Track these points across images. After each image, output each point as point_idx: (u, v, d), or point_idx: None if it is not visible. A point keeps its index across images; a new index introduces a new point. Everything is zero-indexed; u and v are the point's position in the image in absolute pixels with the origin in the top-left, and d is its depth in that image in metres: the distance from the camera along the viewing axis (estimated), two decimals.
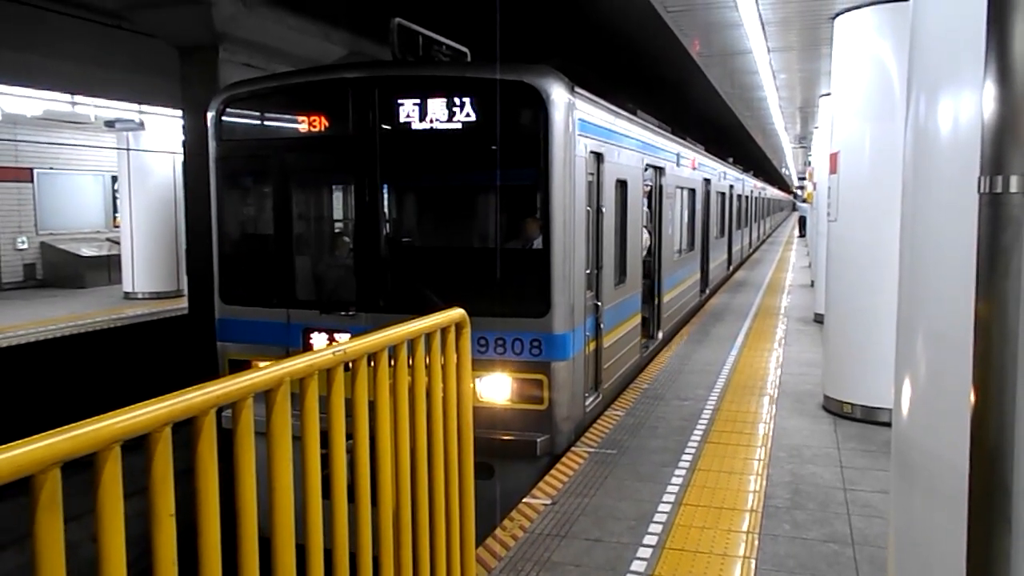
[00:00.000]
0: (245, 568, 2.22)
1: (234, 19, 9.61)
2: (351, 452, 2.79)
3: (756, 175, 34.11)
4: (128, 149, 16.73)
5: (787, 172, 50.28)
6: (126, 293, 16.95)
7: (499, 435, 6.18)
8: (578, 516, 4.99)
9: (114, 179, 19.39)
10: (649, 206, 10.12)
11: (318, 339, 6.63)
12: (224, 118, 6.99)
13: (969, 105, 2.08)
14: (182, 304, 14.35)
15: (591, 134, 6.84)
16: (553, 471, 5.84)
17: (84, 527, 1.80)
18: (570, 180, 6.26)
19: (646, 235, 9.87)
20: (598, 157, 7.17)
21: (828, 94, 11.65)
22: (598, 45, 14.86)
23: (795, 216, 58.93)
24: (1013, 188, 1.83)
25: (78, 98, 14.92)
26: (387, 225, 7.16)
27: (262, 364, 2.41)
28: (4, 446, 1.52)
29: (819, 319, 11.99)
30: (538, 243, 6.37)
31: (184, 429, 2.05)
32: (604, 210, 7.34)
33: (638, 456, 6.13)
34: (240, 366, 6.41)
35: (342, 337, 6.10)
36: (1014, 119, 1.84)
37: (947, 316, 2.19)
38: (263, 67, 10.00)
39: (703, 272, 15.30)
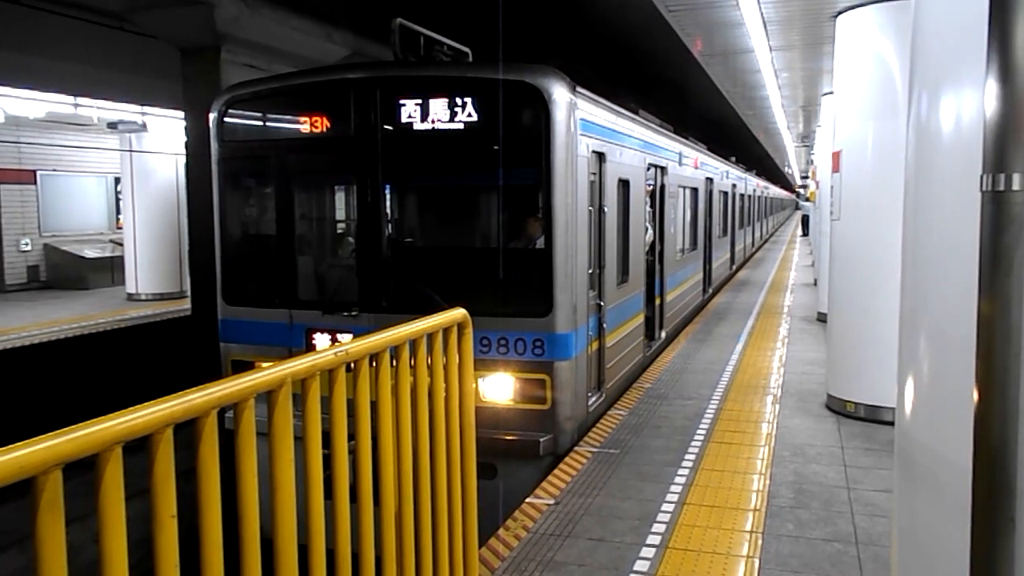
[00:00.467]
0: (247, 569, 2.22)
1: (236, 20, 9.61)
2: (353, 453, 2.79)
3: (758, 174, 34.08)
4: (131, 151, 16.76)
5: (790, 171, 50.22)
6: (129, 294, 16.98)
7: (502, 435, 6.17)
8: (581, 516, 4.98)
9: (117, 181, 19.44)
10: (651, 205, 10.12)
11: (321, 339, 6.63)
12: (226, 119, 6.99)
13: (971, 103, 2.08)
14: (185, 305, 14.38)
15: (593, 134, 6.83)
16: (556, 471, 5.84)
17: (87, 528, 1.80)
18: (572, 180, 6.25)
19: (648, 233, 9.87)
20: (600, 157, 7.17)
21: (830, 93, 11.65)
22: (600, 45, 14.86)
23: (798, 215, 58.87)
24: (1015, 186, 1.82)
25: (81, 100, 14.95)
26: (389, 225, 7.17)
27: (265, 365, 2.41)
28: (5, 447, 1.52)
29: (822, 318, 11.98)
30: (540, 243, 6.36)
31: (186, 430, 2.05)
32: (606, 210, 7.34)
33: (641, 456, 6.13)
34: (243, 367, 6.42)
35: (345, 337, 6.10)
36: (1016, 117, 1.83)
37: (950, 314, 2.18)
38: (265, 68, 10.01)
39: (706, 271, 15.29)
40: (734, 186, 20.36)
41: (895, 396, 2.54)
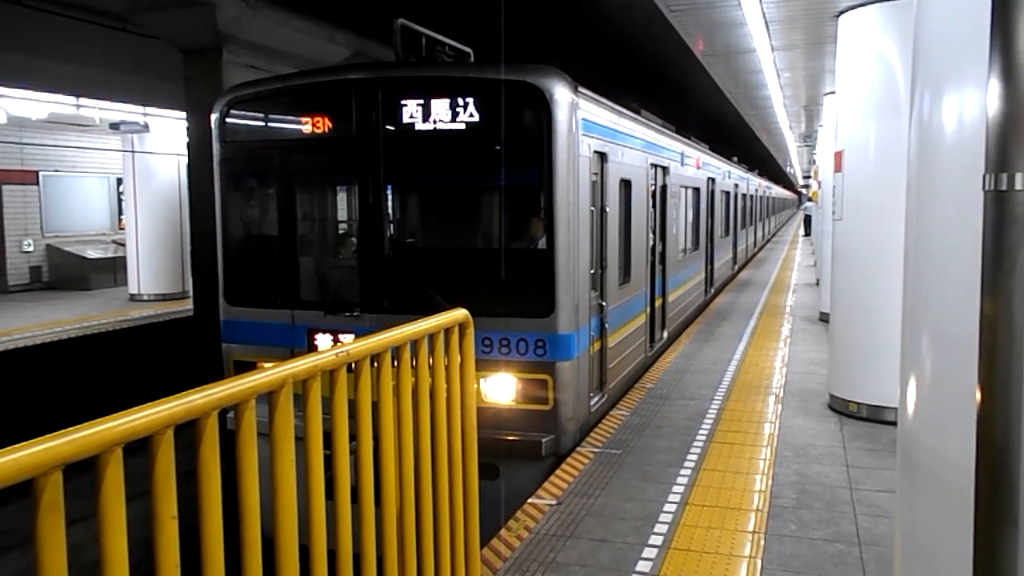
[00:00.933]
0: (248, 570, 2.22)
1: (238, 21, 9.62)
2: (354, 453, 2.79)
3: (760, 174, 34.06)
4: (133, 151, 16.78)
5: (792, 171, 50.19)
6: (132, 295, 17.00)
7: (504, 435, 6.17)
8: (583, 516, 4.98)
9: (119, 181, 19.46)
10: (653, 205, 10.11)
11: (322, 340, 6.64)
12: (228, 120, 6.99)
13: (973, 102, 2.07)
14: (187, 306, 14.38)
15: (595, 134, 6.83)
16: (558, 471, 5.84)
17: (89, 529, 1.80)
18: (574, 180, 6.25)
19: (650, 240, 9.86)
20: (602, 157, 7.17)
21: (832, 92, 11.64)
22: (601, 45, 14.85)
23: (800, 215, 58.82)
24: (1018, 185, 1.82)
25: (83, 101, 14.97)
26: (391, 226, 7.17)
27: (266, 365, 2.41)
28: (5, 449, 1.52)
29: (824, 318, 11.96)
30: (542, 243, 6.36)
31: (187, 431, 2.05)
32: (608, 210, 7.33)
33: (643, 456, 6.12)
34: (245, 367, 6.42)
35: (347, 338, 6.09)
36: (1018, 116, 1.82)
37: (952, 314, 2.17)
38: (267, 69, 10.01)
39: (708, 271, 15.29)
40: (736, 186, 20.35)
41: (898, 396, 2.54)
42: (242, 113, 7.00)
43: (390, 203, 7.14)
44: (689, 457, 6.07)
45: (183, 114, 11.18)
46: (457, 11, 10.23)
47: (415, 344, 3.14)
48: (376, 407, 2.93)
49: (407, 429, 3.08)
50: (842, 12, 7.25)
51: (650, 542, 4.59)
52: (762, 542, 4.59)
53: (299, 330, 6.74)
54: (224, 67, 9.66)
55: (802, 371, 9.06)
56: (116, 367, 12.30)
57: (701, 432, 6.71)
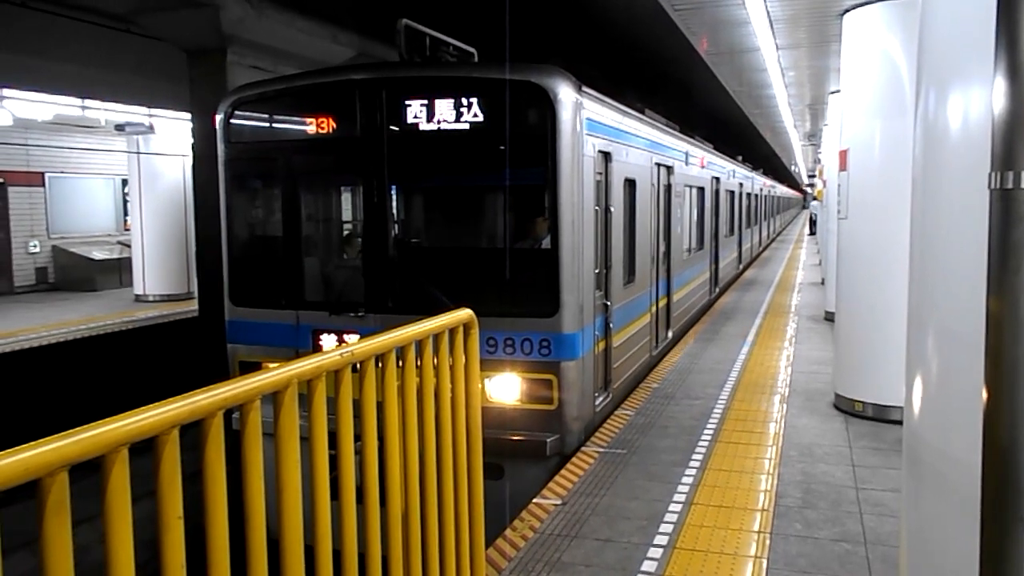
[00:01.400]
0: (254, 570, 2.22)
1: (242, 22, 9.64)
2: (359, 453, 2.79)
3: (765, 173, 34.00)
4: (138, 152, 16.82)
5: (796, 170, 50.10)
6: (137, 296, 17.04)
7: (509, 435, 6.17)
8: (588, 516, 4.98)
9: (124, 182, 19.50)
10: (658, 205, 10.09)
11: (327, 340, 6.64)
12: (232, 121, 7.00)
13: (979, 100, 2.07)
14: (193, 306, 14.42)
15: (599, 133, 6.83)
16: (563, 471, 5.83)
17: (95, 530, 1.80)
18: (578, 179, 6.25)
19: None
20: (606, 156, 7.16)
21: (837, 91, 11.62)
22: (605, 44, 14.84)
23: (805, 214, 58.72)
24: None
25: (88, 102, 15.01)
26: (395, 226, 7.17)
27: (271, 366, 2.41)
28: (11, 449, 1.52)
29: (830, 317, 11.94)
30: (546, 243, 6.36)
31: (193, 431, 2.05)
32: (612, 209, 7.33)
33: (648, 456, 6.11)
34: (250, 368, 6.42)
35: (351, 338, 6.11)
36: None
37: (958, 313, 2.17)
38: (271, 70, 10.03)
39: (713, 270, 15.26)
40: (741, 185, 20.32)
41: (903, 395, 2.53)
42: (246, 114, 7.01)
43: (394, 203, 7.15)
44: (694, 457, 6.07)
45: (188, 115, 11.19)
46: (461, 11, 10.23)
47: (420, 344, 3.14)
48: (381, 407, 2.93)
49: (412, 429, 3.09)
50: (847, 10, 7.24)
51: (655, 542, 4.59)
52: (768, 542, 4.58)
53: (304, 330, 6.75)
54: (228, 68, 9.68)
55: (807, 370, 9.05)
56: (122, 368, 12.33)
57: (706, 432, 6.70)
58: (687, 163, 11.77)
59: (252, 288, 7.13)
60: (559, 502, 5.21)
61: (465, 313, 3.46)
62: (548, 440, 6.17)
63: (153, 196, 16.79)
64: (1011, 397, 1.85)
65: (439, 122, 6.27)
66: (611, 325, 7.38)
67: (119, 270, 19.04)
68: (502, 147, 6.05)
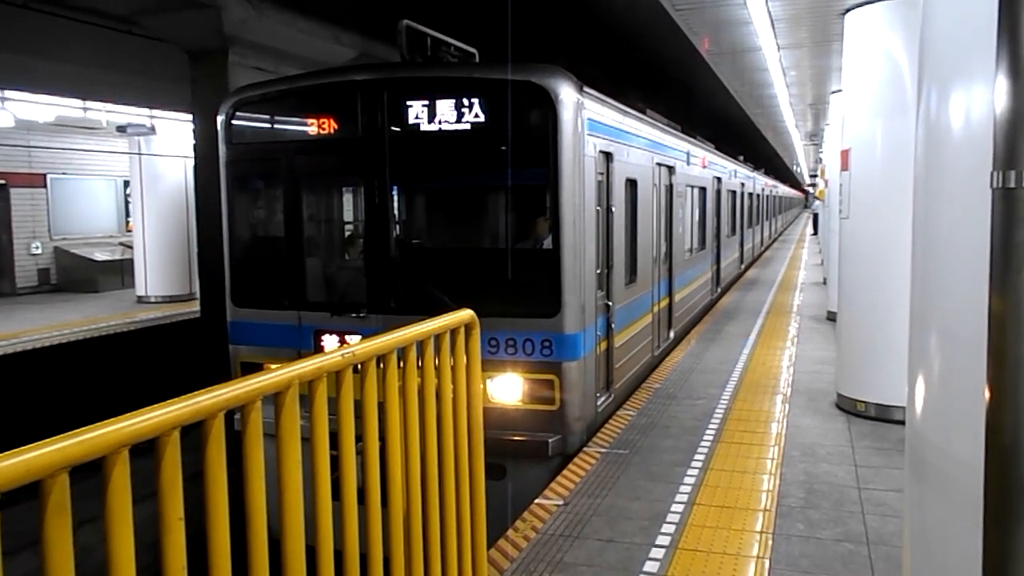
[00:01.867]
0: (255, 570, 2.22)
1: (244, 23, 9.65)
2: (361, 454, 2.79)
3: (767, 173, 33.98)
4: (140, 154, 16.83)
5: (798, 169, 50.06)
6: (139, 297, 17.06)
7: (511, 436, 6.17)
8: (590, 517, 4.97)
9: (126, 183, 19.53)
10: (659, 205, 10.09)
11: (329, 341, 6.64)
12: (234, 122, 7.01)
13: (981, 99, 2.06)
14: (195, 307, 14.42)
15: (600, 133, 6.82)
16: (565, 471, 5.83)
17: (97, 531, 1.80)
18: (580, 180, 6.25)
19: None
20: (607, 156, 7.16)
21: (839, 90, 11.59)
22: (607, 44, 14.84)
23: (807, 213, 58.68)
24: None
25: (90, 103, 15.02)
26: (397, 227, 7.17)
27: (273, 367, 2.41)
28: (12, 451, 1.52)
29: (832, 317, 11.92)
30: (548, 243, 6.36)
31: (194, 432, 2.05)
32: (614, 209, 7.33)
33: (650, 456, 6.11)
34: (252, 368, 6.43)
35: (353, 339, 6.11)
36: None
37: (961, 313, 2.16)
38: (272, 70, 10.03)
39: (715, 270, 15.25)
40: (743, 185, 20.30)
41: (905, 395, 2.53)
42: (248, 115, 7.01)
43: (396, 204, 7.15)
44: (696, 457, 6.06)
45: (189, 116, 11.21)
46: (462, 11, 10.23)
47: (421, 345, 3.14)
48: (382, 408, 2.93)
49: (413, 430, 3.08)
50: (849, 9, 7.23)
51: (657, 542, 4.58)
52: (770, 542, 4.57)
53: (306, 331, 6.75)
54: (230, 69, 9.69)
55: (809, 370, 9.04)
56: (124, 369, 12.34)
57: (708, 432, 6.70)
58: (688, 163, 11.77)
59: (254, 289, 7.14)
60: (561, 502, 5.20)
61: (466, 313, 3.46)
62: (550, 440, 6.16)
63: (155, 197, 16.80)
64: (1014, 397, 1.85)
65: (440, 123, 6.27)
66: (613, 325, 7.38)
67: (121, 271, 19.05)
68: (503, 147, 6.05)
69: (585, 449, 6.31)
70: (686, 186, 11.57)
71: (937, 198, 2.32)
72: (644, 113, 9.32)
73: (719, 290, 15.84)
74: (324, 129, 6.68)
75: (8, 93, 14.06)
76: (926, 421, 2.38)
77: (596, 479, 5.64)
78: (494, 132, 6.11)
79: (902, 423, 2.72)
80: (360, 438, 2.77)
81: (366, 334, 3.61)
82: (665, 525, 4.82)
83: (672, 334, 10.54)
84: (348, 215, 8.13)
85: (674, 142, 10.75)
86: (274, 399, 2.32)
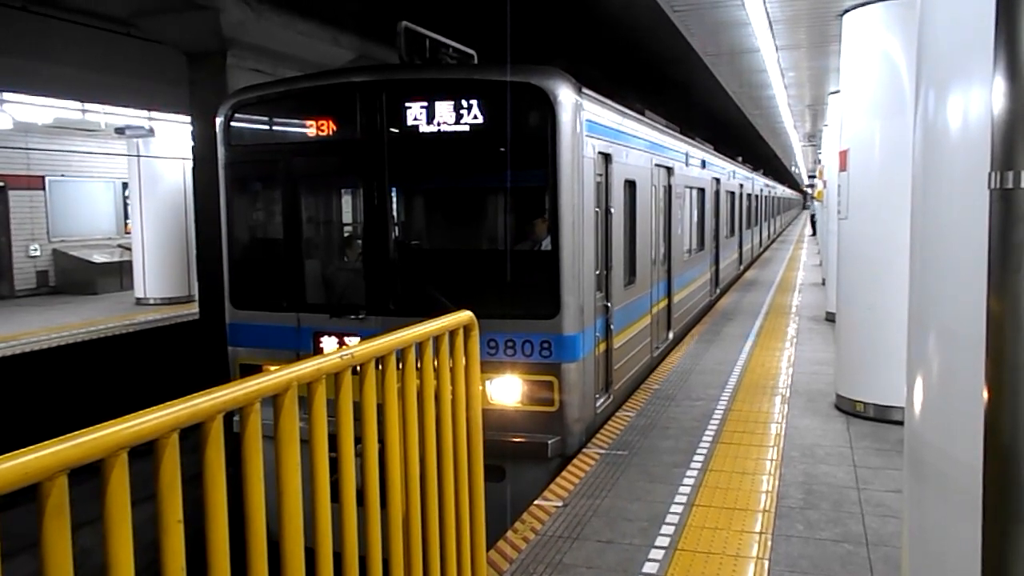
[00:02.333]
0: (254, 572, 2.22)
1: (242, 25, 9.65)
2: (360, 455, 2.79)
3: (766, 174, 34.01)
4: (138, 156, 16.83)
5: (797, 170, 50.09)
6: (138, 299, 17.05)
7: (510, 437, 6.17)
8: (590, 518, 4.97)
9: (125, 185, 19.52)
10: (658, 206, 10.09)
11: (328, 343, 6.64)
12: (233, 123, 7.01)
13: (979, 100, 2.06)
14: (194, 309, 14.42)
15: (599, 135, 6.83)
16: (564, 473, 5.83)
17: (96, 533, 1.80)
18: (578, 181, 6.25)
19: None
20: (606, 158, 7.16)
21: (837, 91, 11.61)
22: (605, 46, 14.85)
23: (805, 214, 58.71)
24: None
25: (88, 106, 15.02)
26: (396, 228, 7.17)
27: (272, 368, 2.41)
28: (11, 453, 1.52)
29: (831, 318, 11.93)
30: (547, 244, 6.36)
31: (193, 434, 2.05)
32: (613, 211, 7.33)
33: (649, 457, 6.11)
34: (251, 370, 6.43)
35: (352, 340, 6.10)
36: None
37: (959, 313, 2.16)
38: (271, 72, 10.03)
39: (713, 271, 15.26)
40: (741, 186, 20.32)
41: (904, 396, 2.53)
42: (247, 117, 7.01)
43: (395, 205, 7.15)
44: (695, 458, 6.06)
45: (188, 118, 11.21)
46: (460, 13, 10.24)
47: (420, 346, 3.14)
48: (381, 409, 2.93)
49: (412, 431, 3.08)
50: (846, 11, 7.24)
51: (657, 543, 4.58)
52: (769, 543, 4.57)
53: (305, 333, 6.75)
54: (228, 71, 9.69)
55: (808, 371, 9.04)
56: (123, 371, 12.33)
57: (707, 433, 6.70)
58: (687, 164, 11.78)
59: (253, 291, 7.14)
60: (560, 504, 5.20)
61: (465, 315, 3.46)
62: (549, 442, 6.16)
63: (153, 199, 16.79)
64: (1012, 397, 1.85)
65: (439, 124, 6.27)
66: (612, 326, 7.38)
67: (120, 273, 19.04)
68: (502, 149, 6.05)
69: (584, 450, 6.31)
70: (685, 187, 11.57)
71: (935, 199, 2.33)
72: (643, 114, 9.33)
73: (718, 291, 15.84)
74: (323, 131, 6.68)
75: (7, 95, 14.06)
76: (925, 421, 2.38)
77: (595, 480, 5.64)
78: (493, 134, 6.12)
79: (901, 424, 2.72)
80: (359, 440, 2.77)
81: (365, 336, 3.61)
82: (664, 526, 4.82)
83: (671, 335, 10.54)
84: (347, 217, 8.13)
85: (673, 143, 10.76)
86: (273, 401, 2.32)
